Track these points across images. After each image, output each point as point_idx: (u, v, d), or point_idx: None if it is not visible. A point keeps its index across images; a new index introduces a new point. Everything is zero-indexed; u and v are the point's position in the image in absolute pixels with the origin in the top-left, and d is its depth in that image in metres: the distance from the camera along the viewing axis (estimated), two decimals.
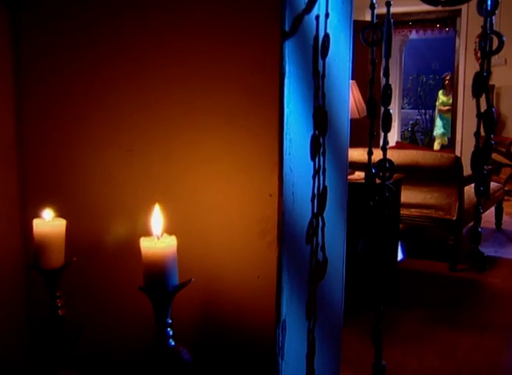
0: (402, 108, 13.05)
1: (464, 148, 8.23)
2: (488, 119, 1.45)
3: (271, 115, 1.33)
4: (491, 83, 8.14)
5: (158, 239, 1.23)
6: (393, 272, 4.15)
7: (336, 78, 1.60)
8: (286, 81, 1.32)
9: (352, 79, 1.89)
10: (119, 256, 1.56)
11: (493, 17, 1.28)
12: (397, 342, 3.27)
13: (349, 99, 1.69)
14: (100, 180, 1.59)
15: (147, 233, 1.28)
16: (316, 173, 1.47)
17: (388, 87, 1.49)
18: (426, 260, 4.94)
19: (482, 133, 1.44)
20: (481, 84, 1.44)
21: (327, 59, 1.50)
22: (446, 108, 10.72)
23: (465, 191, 4.66)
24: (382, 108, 1.51)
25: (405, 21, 9.79)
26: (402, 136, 12.14)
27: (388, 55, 1.48)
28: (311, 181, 1.47)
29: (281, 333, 1.41)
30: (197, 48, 1.42)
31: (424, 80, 14.72)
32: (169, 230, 1.32)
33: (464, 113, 8.44)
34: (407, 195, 4.64)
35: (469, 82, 6.26)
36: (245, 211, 1.40)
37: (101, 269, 1.61)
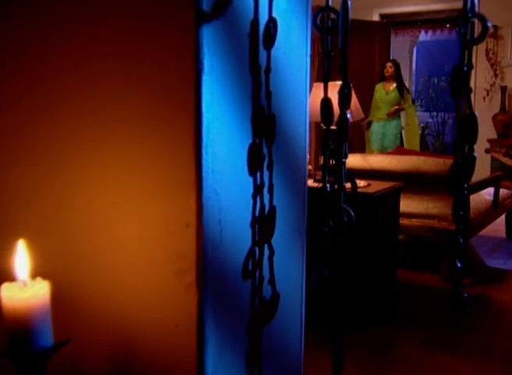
0: None
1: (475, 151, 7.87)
2: (470, 127, 1.16)
3: (185, 123, 1.03)
4: (503, 84, 7.80)
5: (24, 286, 0.93)
6: (391, 287, 3.85)
7: (288, 75, 1.30)
8: (206, 79, 1.03)
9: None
10: None
11: None
12: (391, 369, 2.97)
13: (307, 100, 1.39)
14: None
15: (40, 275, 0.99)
16: (259, 190, 1.17)
17: (346, 86, 1.19)
18: (429, 273, 4.61)
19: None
20: (461, 81, 1.15)
21: (272, 51, 1.21)
22: (395, 108, 6.95)
23: (471, 199, 4.34)
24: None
25: (414, 21, 9.49)
26: None
27: (345, 46, 1.18)
28: (251, 203, 1.17)
29: None
30: (98, 44, 1.12)
31: (436, 81, 14.35)
32: (73, 265, 1.04)
33: None
34: (408, 204, 4.34)
35: (480, 84, 5.90)
36: (158, 245, 1.10)
37: None
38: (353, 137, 7.32)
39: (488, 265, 4.79)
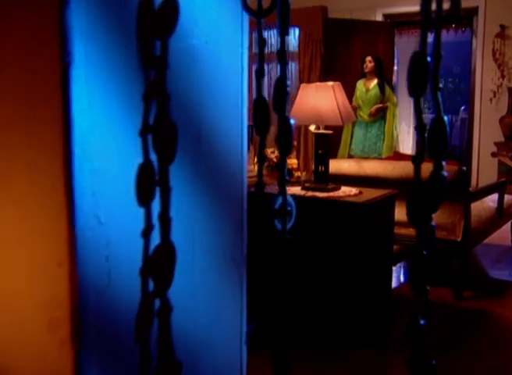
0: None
1: (482, 157, 7.59)
2: (437, 136, 0.89)
3: (52, 132, 0.79)
4: (510, 85, 7.51)
5: None
6: (386, 303, 3.59)
7: (214, 70, 1.06)
8: (77, 73, 0.78)
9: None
10: None
11: None
12: None
13: (243, 102, 1.14)
14: None
15: None
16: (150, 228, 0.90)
17: (283, 84, 0.95)
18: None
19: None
20: (422, 74, 0.89)
21: (187, 40, 0.96)
22: (376, 107, 6.25)
23: (472, 207, 4.07)
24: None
25: (418, 21, 9.21)
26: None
27: (283, 33, 0.94)
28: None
29: None
30: None
31: (443, 83, 14.13)
32: None
33: (481, 119, 7.80)
34: (405, 213, 4.07)
35: (486, 86, 5.56)
36: (26, 291, 0.85)
37: None
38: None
39: (491, 276, 4.51)
